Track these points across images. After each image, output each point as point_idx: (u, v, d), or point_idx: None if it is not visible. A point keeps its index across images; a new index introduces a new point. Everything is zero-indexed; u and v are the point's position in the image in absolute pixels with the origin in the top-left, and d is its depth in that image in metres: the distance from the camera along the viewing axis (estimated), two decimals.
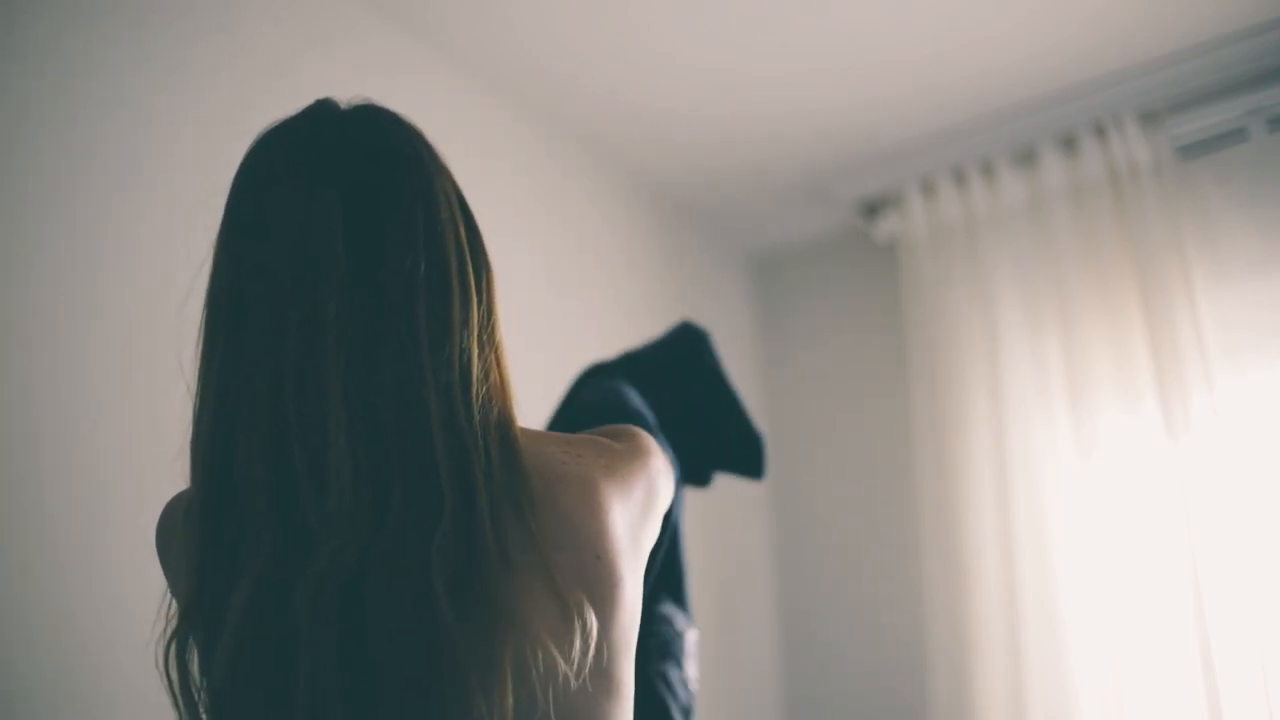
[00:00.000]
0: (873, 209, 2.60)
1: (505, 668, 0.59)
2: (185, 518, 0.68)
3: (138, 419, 1.38)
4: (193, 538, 0.65)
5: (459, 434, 0.64)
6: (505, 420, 0.68)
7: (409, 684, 0.58)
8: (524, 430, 0.72)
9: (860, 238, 2.74)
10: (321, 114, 0.75)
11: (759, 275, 2.98)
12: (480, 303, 0.70)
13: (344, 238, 0.66)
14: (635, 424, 0.96)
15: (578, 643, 0.62)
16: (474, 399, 0.66)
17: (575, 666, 0.62)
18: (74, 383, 1.35)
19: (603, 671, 0.66)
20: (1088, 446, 2.14)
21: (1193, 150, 2.18)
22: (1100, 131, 2.25)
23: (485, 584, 0.60)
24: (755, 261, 2.99)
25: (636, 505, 0.73)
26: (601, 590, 0.67)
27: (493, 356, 0.69)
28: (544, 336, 2.10)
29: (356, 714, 0.58)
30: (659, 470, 0.78)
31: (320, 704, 0.58)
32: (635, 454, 0.76)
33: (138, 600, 1.32)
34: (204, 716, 0.63)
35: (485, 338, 0.69)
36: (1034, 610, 2.12)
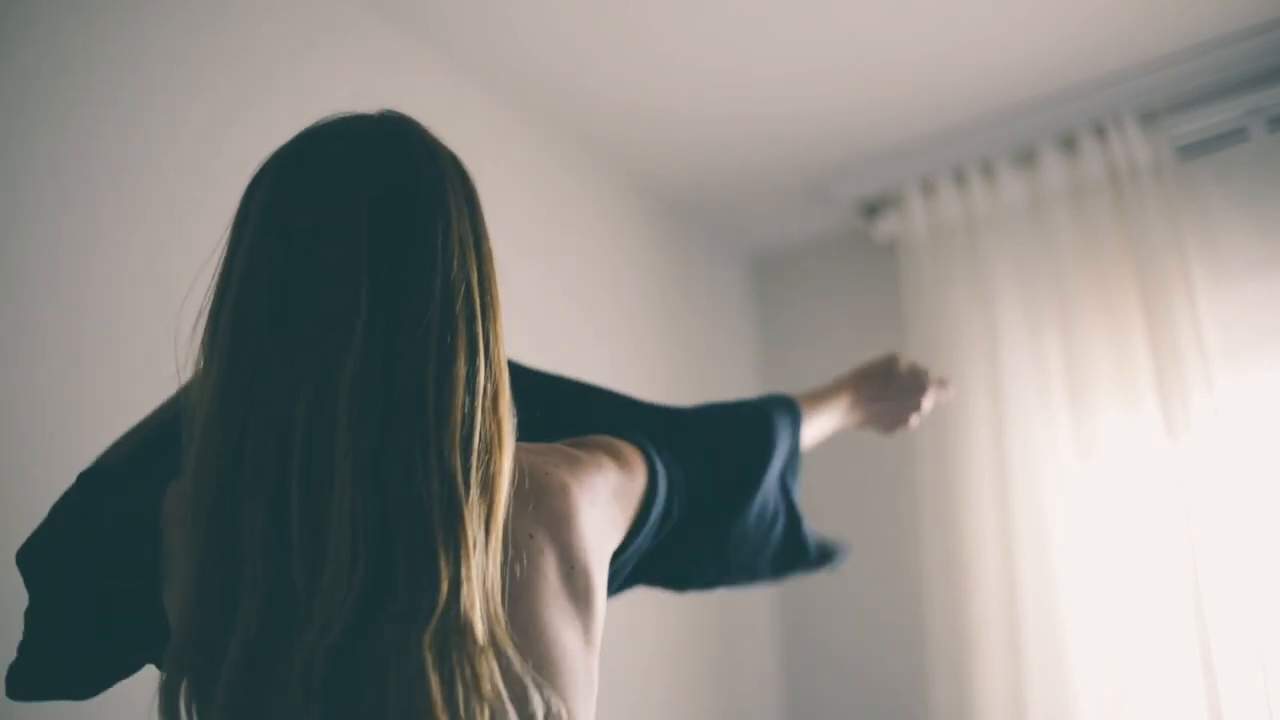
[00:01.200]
0: (873, 209, 2.60)
1: None
2: (184, 522, 0.68)
3: (132, 419, 1.38)
4: (189, 574, 0.64)
5: (458, 516, 0.64)
6: (498, 482, 0.68)
7: None
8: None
9: (860, 238, 2.74)
10: (359, 139, 0.75)
11: (759, 275, 2.98)
12: (487, 358, 0.70)
13: (368, 286, 0.67)
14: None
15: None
16: (474, 468, 0.67)
17: None
18: (68, 383, 1.35)
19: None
20: (1088, 446, 2.13)
21: (1193, 150, 2.17)
22: (1100, 131, 2.25)
23: (475, 670, 0.61)
24: (755, 261, 2.99)
25: (601, 505, 0.80)
26: (585, 600, 0.74)
27: (493, 419, 0.69)
28: (543, 337, 2.10)
29: None
30: (623, 472, 0.84)
31: None
32: (597, 460, 0.82)
33: None
34: None
35: (490, 393, 0.69)
36: (1034, 610, 2.11)
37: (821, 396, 1.27)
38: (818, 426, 1.23)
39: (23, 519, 1.26)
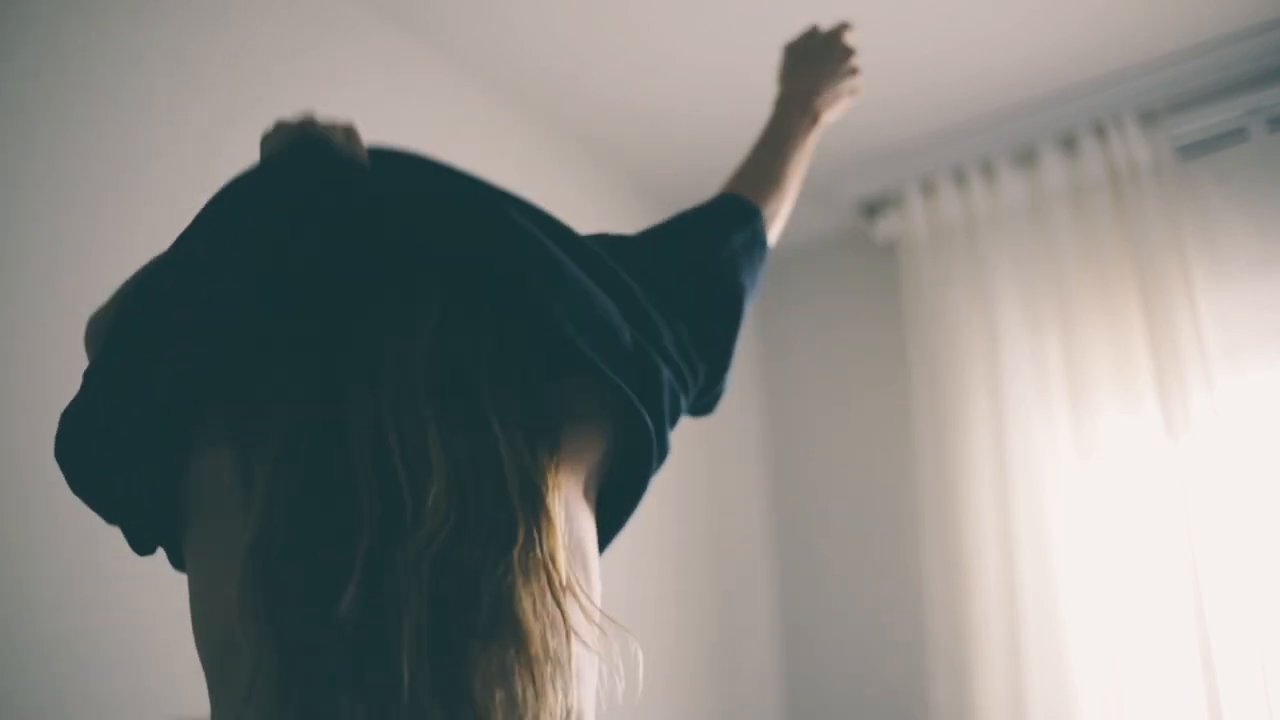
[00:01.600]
0: (873, 209, 2.60)
1: (569, 664, 0.67)
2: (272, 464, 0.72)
3: None
4: (282, 494, 0.69)
5: (530, 471, 0.72)
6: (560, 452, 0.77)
7: (479, 659, 0.64)
8: None
9: (860, 238, 2.74)
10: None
11: None
12: None
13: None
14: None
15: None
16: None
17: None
18: (68, 383, 1.35)
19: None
20: (1088, 446, 2.13)
21: (1193, 150, 2.17)
22: (1100, 131, 2.25)
23: (561, 605, 0.68)
24: None
25: (589, 493, 0.84)
26: (589, 581, 0.78)
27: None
28: None
29: (442, 668, 0.63)
30: (604, 439, 0.88)
31: (418, 664, 0.62)
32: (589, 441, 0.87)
33: (138, 600, 1.32)
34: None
35: None
36: (1034, 610, 2.11)
37: (779, 137, 1.26)
38: (799, 169, 1.24)
39: (23, 519, 1.26)
